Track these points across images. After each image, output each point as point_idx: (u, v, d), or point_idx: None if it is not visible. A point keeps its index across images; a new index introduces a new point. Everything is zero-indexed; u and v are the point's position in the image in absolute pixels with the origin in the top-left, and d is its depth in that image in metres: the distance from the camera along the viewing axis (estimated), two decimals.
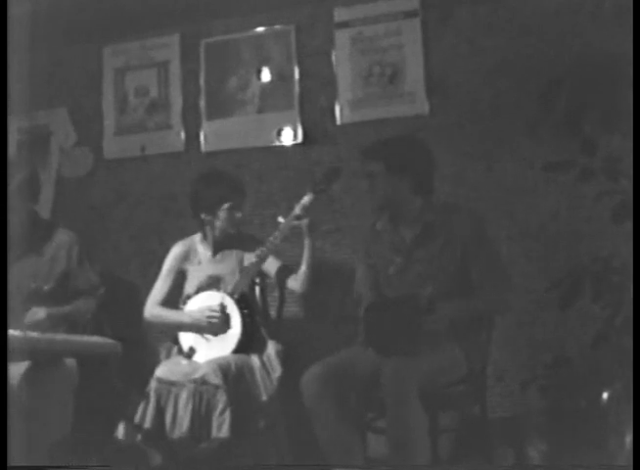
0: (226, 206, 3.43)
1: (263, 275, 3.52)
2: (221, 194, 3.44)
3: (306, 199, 3.27)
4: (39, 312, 3.16)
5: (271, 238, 3.30)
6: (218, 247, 3.52)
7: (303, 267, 3.35)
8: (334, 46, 3.98)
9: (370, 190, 3.11)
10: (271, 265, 3.43)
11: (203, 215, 3.48)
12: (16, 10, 4.03)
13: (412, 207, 3.07)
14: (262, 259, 3.34)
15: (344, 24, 3.96)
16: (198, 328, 3.35)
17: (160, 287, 3.55)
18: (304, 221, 3.28)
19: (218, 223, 3.45)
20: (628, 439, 2.68)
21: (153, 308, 3.52)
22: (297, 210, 3.27)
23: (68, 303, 3.30)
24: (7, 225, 3.10)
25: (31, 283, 3.26)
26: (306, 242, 3.33)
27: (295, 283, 3.40)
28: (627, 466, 2.36)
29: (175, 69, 4.28)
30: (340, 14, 3.97)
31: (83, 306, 3.35)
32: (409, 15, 3.85)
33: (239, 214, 3.46)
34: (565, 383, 3.20)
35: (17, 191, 3.19)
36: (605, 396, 2.92)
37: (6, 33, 3.03)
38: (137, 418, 3.10)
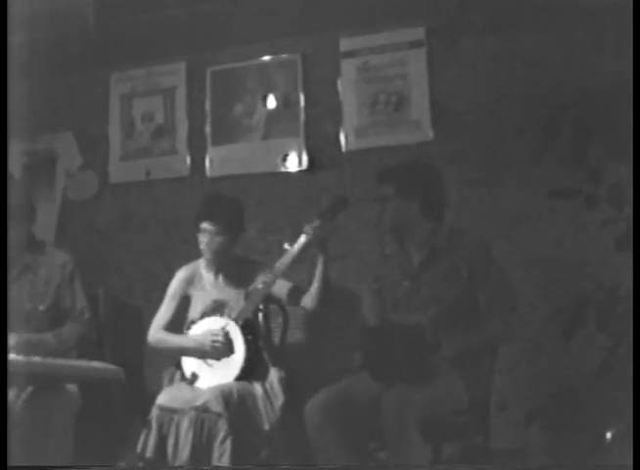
0: (203, 225, 3.40)
1: (268, 301, 3.51)
2: (201, 212, 3.43)
3: (314, 224, 3.26)
4: (11, 339, 3.04)
5: (277, 264, 3.29)
6: (218, 269, 3.50)
7: (316, 284, 3.31)
8: (340, 75, 4.00)
9: (380, 214, 3.14)
10: (281, 287, 3.40)
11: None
12: (27, 36, 4.09)
13: (422, 231, 3.09)
14: (268, 286, 3.33)
15: (350, 54, 3.99)
16: (201, 353, 3.33)
17: (164, 312, 3.53)
18: (317, 238, 3.24)
19: (200, 245, 3.45)
20: None
21: (156, 333, 3.50)
22: (306, 231, 3.26)
23: (56, 326, 3.28)
24: (7, 242, 3.10)
25: (27, 303, 3.25)
26: (319, 259, 3.29)
27: (307, 300, 3.35)
28: (627, 466, 2.34)
29: (181, 95, 4.30)
30: (345, 44, 4.00)
31: (65, 333, 3.30)
32: (414, 45, 3.88)
33: (218, 238, 3.41)
34: (569, 414, 3.17)
35: (12, 211, 3.19)
36: (609, 435, 2.90)
37: (6, 32, 3.04)
38: (139, 447, 3.08)
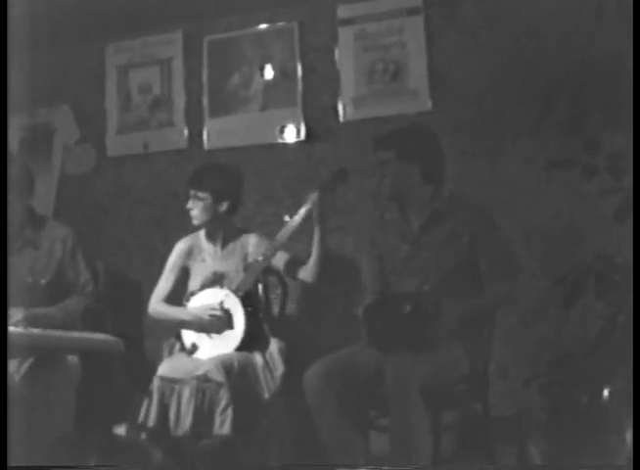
0: (191, 193, 3.43)
1: (267, 273, 3.51)
2: (191, 180, 3.46)
3: (314, 195, 3.26)
4: (16, 313, 3.09)
5: (278, 236, 3.29)
6: (217, 241, 3.51)
7: (314, 257, 3.32)
8: (337, 43, 3.98)
9: (380, 179, 3.14)
10: (280, 259, 3.40)
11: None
12: (18, 9, 4.04)
13: (422, 195, 3.09)
14: (268, 259, 3.33)
15: (348, 22, 3.96)
16: (199, 326, 3.35)
17: (164, 283, 3.55)
18: (314, 212, 3.24)
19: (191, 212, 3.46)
20: (629, 436, 2.67)
21: (156, 305, 3.52)
22: (305, 205, 3.26)
23: (59, 300, 3.29)
24: (6, 221, 3.10)
25: (28, 277, 3.26)
26: (316, 232, 3.29)
27: (305, 274, 3.36)
28: (627, 466, 2.36)
29: (178, 66, 4.28)
30: (343, 11, 3.96)
31: (70, 306, 3.32)
32: (412, 12, 3.84)
33: (211, 206, 3.41)
34: (567, 381, 3.19)
35: (10, 186, 3.19)
36: (606, 393, 2.92)
37: (6, 33, 3.03)
38: (141, 417, 3.10)
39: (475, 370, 3.00)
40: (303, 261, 3.37)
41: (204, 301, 3.39)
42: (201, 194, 3.41)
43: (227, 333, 3.31)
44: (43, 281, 3.29)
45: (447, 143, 3.33)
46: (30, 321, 3.09)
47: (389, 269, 3.13)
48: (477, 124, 3.73)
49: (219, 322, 3.31)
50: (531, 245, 3.59)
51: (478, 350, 3.02)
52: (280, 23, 4.09)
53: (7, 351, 2.67)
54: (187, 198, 3.46)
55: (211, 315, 3.31)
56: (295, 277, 3.43)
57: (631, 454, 2.33)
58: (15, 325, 3.03)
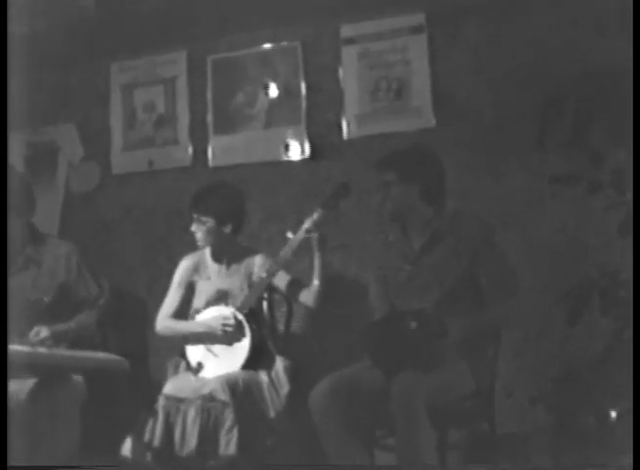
0: (194, 216, 3.43)
1: (272, 290, 3.51)
2: (192, 204, 3.46)
3: (315, 215, 3.26)
4: (42, 331, 3.14)
5: (281, 253, 3.29)
6: (222, 259, 3.51)
7: (316, 282, 3.31)
8: (340, 62, 3.99)
9: (383, 200, 3.15)
10: (281, 279, 3.40)
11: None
12: (25, 28, 4.08)
13: (423, 215, 3.11)
14: (272, 275, 3.33)
15: (351, 41, 3.98)
16: (212, 338, 3.33)
17: (171, 299, 3.54)
18: (314, 235, 3.26)
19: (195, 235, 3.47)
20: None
21: (164, 321, 3.50)
22: (307, 224, 3.26)
23: (68, 316, 3.29)
24: (7, 236, 3.11)
25: (31, 295, 3.26)
26: (316, 256, 3.29)
27: (307, 297, 3.35)
28: (627, 466, 2.35)
29: (182, 85, 4.30)
30: (346, 30, 3.99)
31: (85, 320, 3.34)
32: (415, 30, 3.86)
33: (214, 230, 3.42)
34: (573, 398, 3.18)
35: (12, 203, 3.19)
36: (613, 414, 2.91)
37: (6, 32, 3.04)
38: (146, 436, 3.09)
39: (480, 388, 3.00)
40: (305, 284, 3.36)
41: (209, 317, 3.37)
42: (203, 218, 3.41)
43: (232, 350, 3.31)
44: (46, 299, 3.29)
45: (451, 159, 3.34)
46: (56, 338, 3.13)
47: (393, 290, 3.14)
48: (480, 140, 3.73)
49: (232, 334, 3.30)
50: (535, 260, 3.57)
51: (483, 367, 3.03)
52: (284, 43, 4.11)
53: (7, 349, 2.67)
54: (191, 220, 3.47)
55: (224, 325, 3.30)
56: (296, 300, 3.43)
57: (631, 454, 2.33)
58: (41, 343, 3.07)
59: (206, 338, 3.35)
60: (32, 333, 3.13)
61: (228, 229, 3.43)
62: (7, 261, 3.02)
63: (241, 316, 3.30)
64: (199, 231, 3.44)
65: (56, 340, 3.13)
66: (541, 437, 3.25)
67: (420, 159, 3.15)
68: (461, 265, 3.02)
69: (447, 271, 3.02)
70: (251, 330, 3.29)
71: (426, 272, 3.05)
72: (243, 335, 3.29)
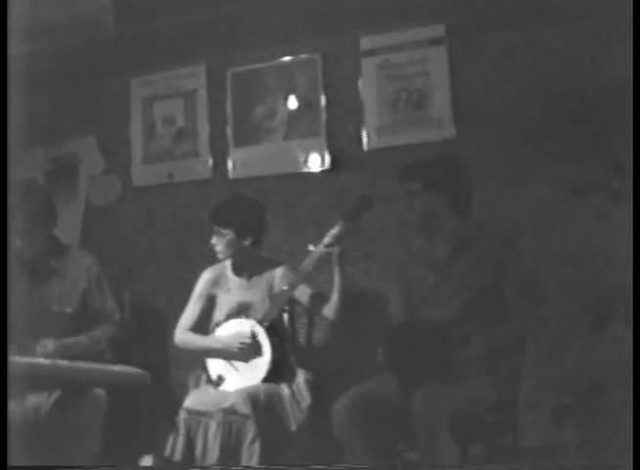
0: (215, 229, 3.44)
1: (293, 302, 3.51)
2: (212, 216, 3.47)
3: (337, 228, 3.26)
4: (48, 344, 3.13)
5: (302, 266, 3.29)
6: (243, 271, 3.51)
7: (335, 295, 3.32)
8: (360, 74, 3.99)
9: (408, 210, 3.15)
10: (303, 293, 3.40)
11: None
12: (48, 42, 4.12)
13: (450, 225, 3.10)
14: (293, 287, 3.33)
15: (371, 53, 3.98)
16: (228, 354, 3.34)
17: (191, 312, 3.54)
18: (335, 250, 3.25)
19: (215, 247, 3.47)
20: None
21: (182, 334, 3.51)
22: (328, 238, 3.26)
23: (86, 329, 3.30)
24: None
25: (55, 307, 3.27)
26: (336, 270, 3.29)
27: (328, 311, 3.35)
28: (627, 466, 2.32)
29: (202, 98, 4.31)
30: (366, 42, 3.99)
31: (99, 336, 3.33)
32: (435, 42, 3.86)
33: (224, 239, 3.42)
34: (598, 409, 3.15)
35: (32, 215, 3.22)
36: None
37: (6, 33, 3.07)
38: (167, 450, 3.09)
39: (503, 400, 2.97)
40: (327, 297, 3.36)
41: (229, 331, 3.38)
42: (223, 230, 3.42)
43: (253, 364, 3.30)
44: (69, 310, 3.29)
45: (471, 170, 3.32)
46: (60, 352, 3.11)
47: (417, 298, 3.13)
48: (500, 151, 3.71)
49: (248, 350, 3.30)
50: (559, 270, 3.55)
51: (506, 379, 3.00)
52: (303, 55, 4.12)
53: (7, 352, 2.68)
54: (211, 232, 3.47)
55: (242, 343, 3.30)
56: (318, 313, 3.42)
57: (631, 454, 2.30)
58: (45, 356, 3.05)
59: (223, 354, 3.35)
60: (39, 345, 3.13)
61: (248, 242, 3.43)
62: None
63: (261, 330, 3.30)
64: (219, 243, 3.45)
65: (59, 353, 3.11)
66: (565, 450, 3.22)
67: (446, 168, 3.15)
68: (486, 275, 3.00)
69: (472, 281, 3.01)
70: (272, 343, 3.28)
71: (451, 281, 3.04)
72: (260, 351, 3.29)
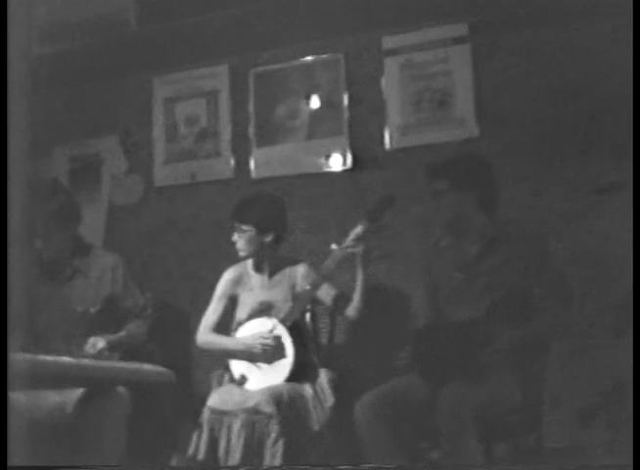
0: (236, 225, 3.45)
1: (315, 302, 3.50)
2: (233, 213, 3.48)
3: (360, 228, 3.25)
4: (99, 342, 3.14)
5: (325, 265, 3.28)
6: (265, 270, 3.51)
7: (358, 295, 3.31)
8: (383, 73, 3.99)
9: (435, 208, 3.15)
10: (326, 293, 3.40)
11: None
12: (71, 42, 4.15)
13: (477, 223, 3.10)
14: (316, 287, 3.33)
15: (393, 52, 3.97)
16: (250, 356, 3.34)
17: (212, 312, 3.55)
18: (358, 249, 3.25)
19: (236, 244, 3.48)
20: None
21: (205, 335, 3.51)
22: (351, 237, 3.25)
23: (115, 327, 3.31)
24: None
25: (79, 306, 3.28)
26: (359, 271, 3.29)
27: (351, 311, 3.35)
28: (627, 466, 2.29)
29: (224, 98, 4.32)
30: (388, 41, 3.98)
31: (135, 330, 3.36)
32: (458, 41, 3.85)
33: (245, 235, 3.43)
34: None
35: (55, 215, 3.23)
36: None
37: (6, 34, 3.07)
38: (191, 450, 3.10)
39: (527, 400, 2.95)
40: (350, 297, 3.35)
41: (251, 330, 3.38)
42: (245, 227, 3.43)
43: (276, 364, 3.30)
44: (92, 310, 3.30)
45: (495, 169, 3.31)
46: (112, 349, 3.15)
47: (443, 297, 3.12)
48: (524, 150, 3.70)
49: (270, 351, 3.30)
50: (582, 270, 3.52)
51: (531, 378, 2.98)
52: (325, 55, 4.12)
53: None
54: (232, 229, 3.48)
55: (263, 344, 3.30)
56: (341, 313, 3.42)
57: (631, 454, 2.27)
58: (99, 354, 3.08)
59: (245, 356, 3.36)
60: (89, 345, 3.13)
61: (269, 238, 3.44)
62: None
63: (281, 332, 3.30)
64: (239, 240, 3.45)
65: (112, 350, 3.14)
66: (590, 451, 3.19)
67: (473, 166, 3.15)
68: (514, 274, 2.99)
69: (500, 280, 3.00)
70: (295, 343, 3.28)
71: (478, 280, 3.04)
72: (283, 352, 3.29)
